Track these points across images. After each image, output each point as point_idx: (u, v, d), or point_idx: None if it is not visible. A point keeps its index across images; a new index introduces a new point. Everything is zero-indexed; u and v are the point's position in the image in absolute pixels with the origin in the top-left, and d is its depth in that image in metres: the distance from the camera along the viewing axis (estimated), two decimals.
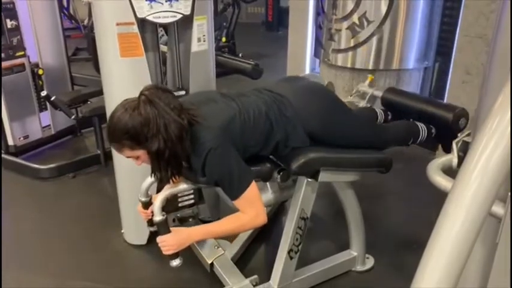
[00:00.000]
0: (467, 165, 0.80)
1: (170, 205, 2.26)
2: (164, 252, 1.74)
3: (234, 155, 1.65)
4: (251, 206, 1.70)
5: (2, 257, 2.32)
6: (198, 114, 1.62)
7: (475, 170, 0.79)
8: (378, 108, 2.56)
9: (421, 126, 2.24)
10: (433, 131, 2.26)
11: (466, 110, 2.21)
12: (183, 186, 1.82)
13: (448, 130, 2.20)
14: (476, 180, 0.78)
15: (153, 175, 1.72)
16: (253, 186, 1.69)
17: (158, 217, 1.72)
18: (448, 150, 2.11)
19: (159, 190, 1.81)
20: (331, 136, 1.89)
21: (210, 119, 1.64)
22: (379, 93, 2.61)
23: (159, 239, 1.73)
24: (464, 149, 1.27)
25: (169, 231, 1.73)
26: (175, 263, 1.77)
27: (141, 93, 1.56)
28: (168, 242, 1.72)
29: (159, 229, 1.74)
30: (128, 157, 1.64)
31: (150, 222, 1.87)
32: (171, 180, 1.77)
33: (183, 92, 2.28)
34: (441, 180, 1.15)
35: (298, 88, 1.92)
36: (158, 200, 1.75)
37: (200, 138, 1.60)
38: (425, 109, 2.32)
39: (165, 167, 1.63)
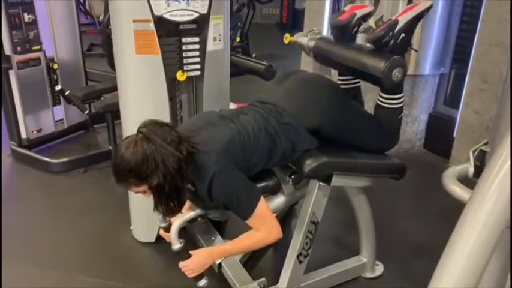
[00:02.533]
0: (487, 176, 0.79)
1: None
2: (188, 276, 1.77)
3: (238, 175, 1.65)
4: (263, 224, 1.71)
5: (2, 252, 2.34)
6: (198, 141, 1.63)
7: (494, 182, 0.77)
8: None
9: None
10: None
11: (402, 60, 1.82)
12: (196, 211, 1.86)
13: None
14: (495, 192, 0.77)
15: (155, 209, 1.72)
16: (263, 203, 1.69)
17: (176, 245, 1.77)
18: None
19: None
20: (335, 126, 1.83)
21: (210, 144, 1.64)
22: (311, 44, 2.16)
23: (181, 264, 1.77)
24: (481, 158, 1.25)
25: (189, 256, 1.76)
26: (202, 283, 1.80)
27: (139, 131, 1.58)
28: (190, 266, 1.75)
29: (179, 255, 1.78)
30: (136, 193, 1.66)
31: None
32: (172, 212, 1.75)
33: None
34: (457, 189, 1.14)
35: (289, 88, 1.90)
36: (174, 228, 1.78)
37: (203, 165, 1.61)
38: (354, 62, 1.90)
39: (166, 200, 1.64)
